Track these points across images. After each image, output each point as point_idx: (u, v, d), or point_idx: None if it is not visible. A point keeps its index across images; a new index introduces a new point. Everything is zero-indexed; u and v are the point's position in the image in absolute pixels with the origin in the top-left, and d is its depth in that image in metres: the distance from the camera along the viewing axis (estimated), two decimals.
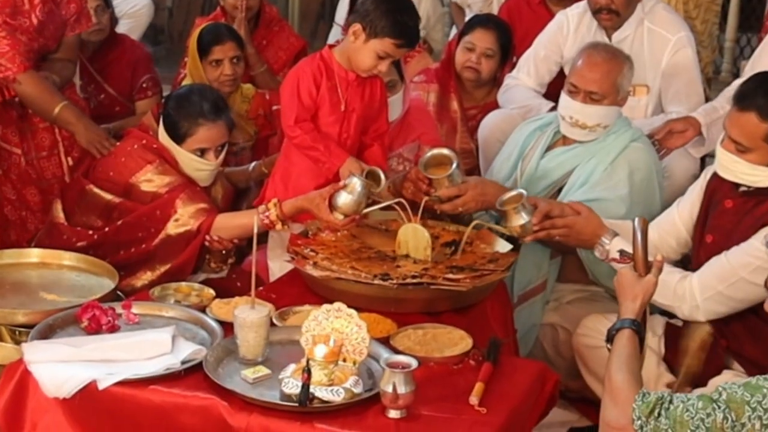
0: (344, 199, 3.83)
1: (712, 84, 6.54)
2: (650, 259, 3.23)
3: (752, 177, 3.66)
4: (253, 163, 4.81)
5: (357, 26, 4.00)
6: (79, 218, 4.25)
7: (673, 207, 4.06)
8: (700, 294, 3.66)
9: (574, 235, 3.89)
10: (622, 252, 3.62)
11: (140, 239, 4.12)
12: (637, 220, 3.27)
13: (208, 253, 4.17)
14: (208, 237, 4.07)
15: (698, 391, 3.62)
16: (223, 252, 4.17)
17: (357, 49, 4.03)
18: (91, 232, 4.19)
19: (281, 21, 6.50)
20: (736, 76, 5.73)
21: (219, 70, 5.09)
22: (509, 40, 5.61)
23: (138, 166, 4.20)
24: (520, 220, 3.82)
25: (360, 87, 4.13)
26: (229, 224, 4.08)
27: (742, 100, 3.63)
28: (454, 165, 4.00)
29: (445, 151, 4.09)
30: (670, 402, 2.64)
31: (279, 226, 3.97)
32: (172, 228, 4.09)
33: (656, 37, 5.20)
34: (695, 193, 3.96)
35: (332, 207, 3.85)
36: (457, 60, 5.57)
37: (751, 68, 4.99)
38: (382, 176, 3.96)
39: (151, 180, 4.18)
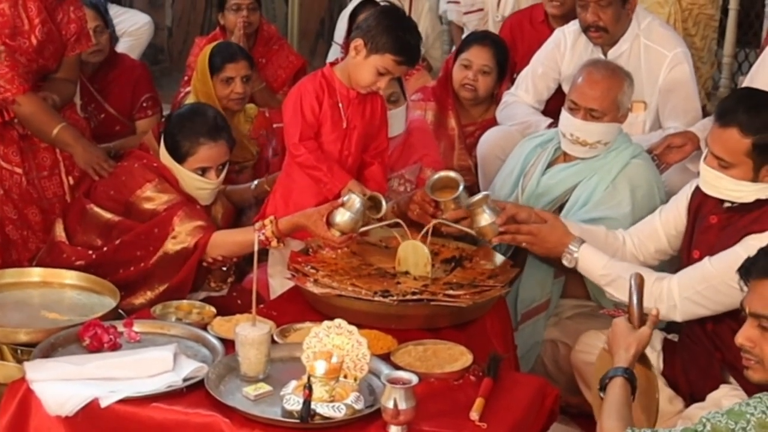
0: (342, 216, 3.84)
1: (711, 99, 6.56)
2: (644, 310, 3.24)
3: (736, 192, 3.66)
4: (256, 181, 4.82)
5: (359, 41, 4.03)
6: (80, 237, 4.27)
7: (655, 214, 4.07)
8: (679, 294, 3.67)
9: (538, 242, 3.89)
10: (617, 305, 3.61)
11: (139, 258, 4.13)
12: (634, 275, 3.29)
13: (208, 273, 4.18)
14: (208, 258, 4.07)
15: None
16: (224, 269, 4.18)
17: (357, 64, 4.05)
18: (90, 251, 4.20)
19: (280, 39, 6.54)
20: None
21: (230, 88, 5.12)
22: (506, 57, 5.63)
23: (138, 184, 4.22)
24: (484, 220, 3.85)
25: (361, 105, 4.15)
26: (226, 241, 4.08)
27: (723, 116, 3.64)
28: (461, 188, 4.01)
29: (451, 174, 4.11)
30: None
31: (275, 243, 3.96)
32: (170, 245, 4.09)
33: (653, 53, 5.22)
34: (680, 206, 3.96)
35: (330, 224, 3.85)
36: (454, 77, 5.59)
37: (749, 83, 5.01)
38: (383, 202, 3.96)
39: (150, 198, 4.20)
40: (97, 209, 4.26)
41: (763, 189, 3.65)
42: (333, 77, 4.14)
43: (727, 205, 3.72)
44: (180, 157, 4.25)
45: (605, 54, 5.24)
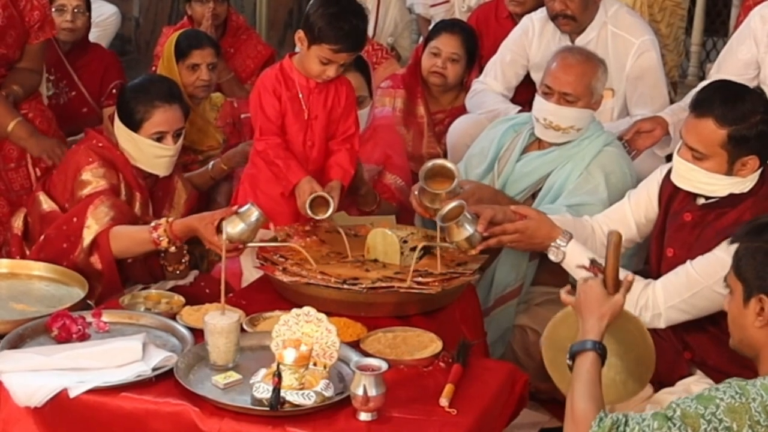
0: (233, 226, 3.74)
1: (678, 87, 6.58)
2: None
3: (709, 186, 3.63)
4: (212, 162, 4.84)
5: (300, 33, 4.04)
6: (37, 229, 4.22)
7: (624, 201, 4.06)
8: (663, 302, 3.65)
9: (525, 239, 3.84)
10: (593, 261, 3.53)
11: (66, 251, 4.02)
12: (610, 233, 3.23)
13: (163, 259, 4.15)
14: (155, 235, 3.93)
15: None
16: (172, 251, 4.06)
17: (304, 55, 4.07)
18: (32, 247, 4.15)
19: (249, 29, 6.53)
20: (702, 79, 5.77)
21: (196, 74, 5.10)
22: (475, 45, 5.65)
23: (79, 166, 4.15)
24: (465, 233, 3.75)
25: (322, 93, 4.15)
26: (123, 235, 3.98)
27: (699, 107, 3.61)
28: (456, 180, 4.00)
29: (447, 164, 4.09)
30: (626, 424, 2.61)
31: (165, 243, 3.90)
32: (85, 235, 3.99)
33: (620, 40, 5.24)
34: (650, 193, 3.94)
35: (220, 229, 3.77)
36: (423, 65, 5.60)
37: (716, 70, 5.04)
38: (331, 203, 3.95)
39: (85, 183, 4.12)
40: (41, 198, 4.23)
41: (736, 183, 3.61)
42: (292, 68, 4.14)
43: (701, 201, 3.69)
44: (135, 125, 4.18)
45: (573, 42, 5.26)
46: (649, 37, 5.29)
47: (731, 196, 3.63)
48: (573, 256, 3.79)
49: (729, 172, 3.59)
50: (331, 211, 3.96)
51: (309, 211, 3.95)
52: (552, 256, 3.84)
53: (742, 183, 3.61)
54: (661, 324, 3.70)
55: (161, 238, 3.90)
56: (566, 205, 4.22)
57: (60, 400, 3.04)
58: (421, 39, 6.73)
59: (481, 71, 5.66)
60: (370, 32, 6.71)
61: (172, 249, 3.96)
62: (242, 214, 3.75)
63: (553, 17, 5.27)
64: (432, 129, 5.58)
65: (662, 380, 3.73)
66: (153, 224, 3.94)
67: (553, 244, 3.82)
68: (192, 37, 5.24)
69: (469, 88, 5.57)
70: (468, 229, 3.75)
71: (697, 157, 3.61)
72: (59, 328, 3.34)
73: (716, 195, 3.64)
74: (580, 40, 5.24)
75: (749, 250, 2.71)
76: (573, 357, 2.99)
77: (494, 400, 3.17)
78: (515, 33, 5.54)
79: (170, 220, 3.93)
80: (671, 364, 3.74)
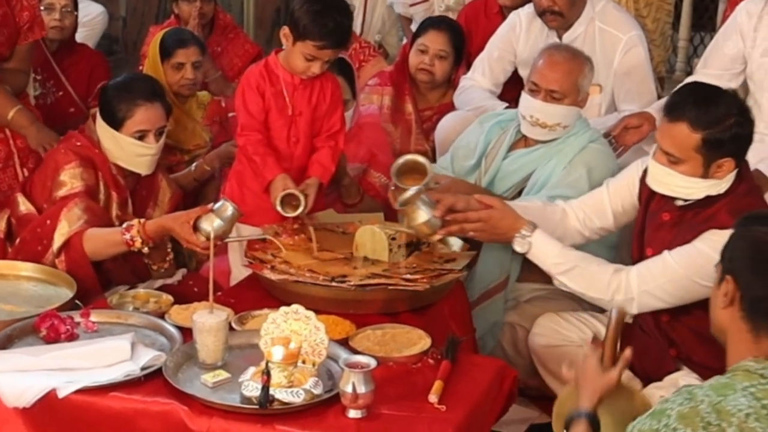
0: (209, 222, 3.77)
1: (665, 83, 6.59)
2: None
3: (686, 189, 3.62)
4: (195, 163, 4.85)
5: (286, 29, 4.03)
6: (19, 230, 4.20)
7: (603, 188, 4.05)
8: (637, 287, 3.65)
9: (489, 229, 3.80)
10: (595, 337, 3.41)
11: (39, 253, 4.01)
12: (615, 309, 3.24)
13: (147, 258, 4.14)
14: (128, 236, 3.92)
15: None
16: (145, 251, 4.05)
17: (289, 51, 4.06)
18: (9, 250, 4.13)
19: (236, 28, 6.53)
20: (690, 74, 5.78)
21: (181, 73, 5.09)
22: (462, 41, 5.65)
23: (58, 166, 4.13)
24: (421, 217, 3.74)
25: (307, 90, 4.14)
26: (95, 237, 3.96)
27: (672, 111, 3.59)
28: (429, 175, 3.99)
29: (419, 158, 4.09)
30: None
31: (139, 244, 3.90)
32: (56, 237, 3.98)
33: (607, 36, 5.25)
34: (630, 184, 3.94)
35: (196, 228, 3.78)
36: (411, 62, 5.60)
37: (703, 65, 5.06)
38: (302, 201, 3.94)
39: (62, 184, 4.10)
40: (19, 199, 4.21)
41: (713, 185, 3.60)
42: (277, 64, 4.13)
43: (680, 203, 3.68)
44: (117, 123, 4.18)
45: (560, 38, 5.26)
46: (637, 33, 5.30)
47: (708, 197, 3.62)
48: (539, 248, 3.77)
49: (705, 175, 3.58)
50: (301, 209, 3.95)
51: (280, 208, 3.94)
52: (518, 247, 3.81)
53: (719, 185, 3.60)
54: (634, 309, 3.70)
55: (135, 239, 3.89)
56: (546, 197, 4.21)
57: (49, 400, 3.03)
58: (406, 37, 6.76)
59: (469, 68, 5.67)
60: (357, 30, 6.74)
61: (145, 249, 3.94)
62: (218, 210, 3.78)
63: (541, 13, 5.28)
64: (420, 126, 5.58)
65: (650, 375, 3.74)
66: (125, 225, 3.93)
67: (518, 234, 3.78)
68: (176, 36, 5.24)
69: (457, 85, 5.57)
70: (425, 214, 3.74)
71: (672, 161, 3.60)
72: (48, 329, 3.34)
73: (693, 198, 3.64)
74: (568, 36, 5.25)
75: (733, 237, 2.72)
76: (568, 424, 3.04)
77: (483, 396, 3.17)
78: (502, 29, 5.55)
79: (142, 221, 3.92)
80: (658, 360, 3.74)
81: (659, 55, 6.29)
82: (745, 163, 3.68)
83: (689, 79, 5.15)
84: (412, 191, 3.77)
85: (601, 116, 5.22)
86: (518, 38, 5.43)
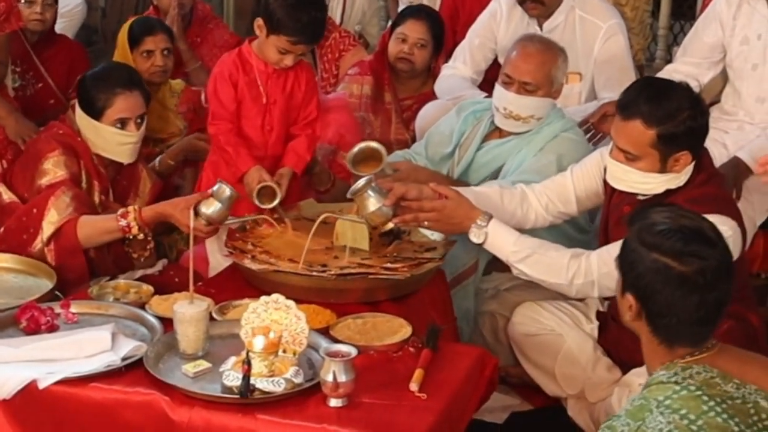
0: (209, 207, 3.80)
1: (645, 71, 6.58)
2: None
3: (645, 185, 3.63)
4: (158, 158, 4.84)
5: (260, 20, 4.03)
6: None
7: (567, 173, 4.06)
8: (597, 269, 3.64)
9: (444, 219, 3.76)
10: None
11: (25, 242, 4.00)
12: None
13: (127, 246, 4.13)
14: (124, 223, 3.93)
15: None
16: (138, 238, 4.05)
17: (262, 43, 4.07)
18: None
19: (215, 18, 6.51)
20: (670, 62, 5.78)
21: (150, 61, 5.10)
22: (441, 30, 5.65)
23: (41, 155, 4.13)
24: (371, 206, 3.72)
25: (280, 79, 4.15)
26: (89, 225, 3.96)
27: (625, 109, 3.59)
28: (384, 161, 3.99)
29: (373, 144, 4.10)
30: None
31: (135, 230, 3.92)
32: (45, 226, 3.97)
33: (588, 24, 5.25)
34: (595, 171, 3.95)
35: (197, 213, 3.80)
36: (390, 51, 5.59)
37: (682, 53, 5.07)
38: (278, 193, 3.95)
39: (45, 172, 4.10)
40: (0, 189, 4.20)
41: (672, 179, 3.61)
42: (251, 53, 4.14)
43: (640, 196, 3.69)
44: (97, 113, 4.17)
45: (541, 26, 5.26)
46: (617, 21, 5.30)
47: (668, 190, 3.63)
48: (495, 237, 3.75)
49: (663, 169, 3.60)
50: (277, 200, 3.95)
51: (256, 200, 3.95)
52: (473, 238, 3.77)
53: (677, 178, 3.62)
54: (594, 293, 3.71)
55: (131, 226, 3.90)
56: (511, 182, 4.21)
57: (29, 391, 3.03)
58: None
59: (450, 56, 5.67)
60: (337, 20, 6.72)
61: (141, 236, 3.96)
62: (216, 193, 3.80)
63: (521, 1, 5.27)
64: (400, 115, 5.58)
65: (628, 363, 3.76)
66: (120, 212, 3.94)
67: (473, 225, 3.75)
68: (144, 24, 5.26)
69: (437, 74, 5.58)
70: (374, 203, 3.72)
71: (629, 158, 3.61)
72: (27, 320, 3.34)
73: (653, 192, 3.64)
74: (548, 24, 5.25)
75: (626, 240, 2.70)
76: None
77: (464, 383, 3.17)
78: (483, 17, 5.54)
79: (137, 207, 3.94)
80: (632, 352, 3.75)
81: (638, 44, 6.30)
82: (705, 152, 3.69)
83: (668, 67, 5.18)
84: (362, 181, 3.74)
85: (581, 104, 5.23)
86: (499, 26, 5.43)
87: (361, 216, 3.76)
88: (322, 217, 3.82)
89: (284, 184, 4.03)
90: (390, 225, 3.79)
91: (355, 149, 4.09)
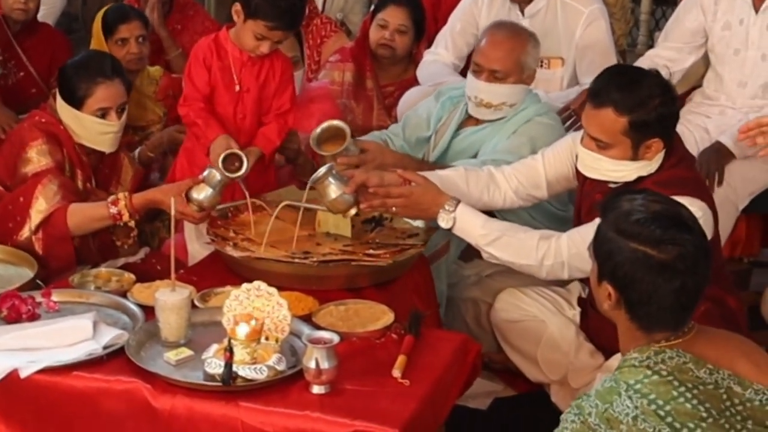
0: (200, 192, 3.81)
1: (627, 56, 6.60)
2: None
3: (617, 173, 3.63)
4: (138, 150, 4.81)
5: (237, 5, 4.02)
6: None
7: (538, 156, 4.04)
8: (567, 250, 3.63)
9: (411, 204, 3.73)
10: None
11: (11, 230, 3.98)
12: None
13: (112, 234, 4.12)
14: (115, 210, 3.93)
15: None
16: (121, 225, 4.04)
17: (239, 28, 4.06)
18: None
19: (196, 5, 6.49)
20: (652, 47, 5.79)
21: (125, 48, 5.09)
22: (422, 16, 5.64)
23: (24, 143, 4.11)
24: (333, 193, 3.70)
25: (255, 66, 4.14)
26: (79, 212, 3.95)
27: (596, 97, 3.59)
28: (348, 139, 3.98)
29: (336, 122, 4.08)
30: None
31: (126, 217, 3.92)
32: (33, 215, 3.96)
33: (569, 9, 5.24)
34: (568, 158, 3.94)
35: (189, 199, 3.81)
36: (371, 37, 5.58)
37: (663, 39, 5.08)
38: (245, 162, 3.90)
39: (29, 161, 4.08)
40: None
41: (644, 166, 3.61)
42: (227, 39, 4.14)
43: (611, 184, 3.69)
44: (78, 102, 4.15)
45: (522, 11, 5.25)
46: (598, 6, 5.30)
47: (639, 177, 3.63)
48: (463, 222, 3.73)
49: (634, 157, 3.60)
50: (244, 169, 3.89)
51: (221, 167, 3.86)
52: (442, 223, 3.75)
53: (649, 165, 3.62)
54: (564, 274, 3.71)
55: (122, 213, 3.90)
56: (482, 162, 4.19)
57: (11, 380, 3.02)
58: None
59: (432, 43, 5.66)
60: (319, 7, 6.70)
61: (131, 223, 3.96)
62: (206, 178, 3.80)
63: None
64: (382, 102, 5.57)
65: (609, 349, 3.75)
66: (111, 199, 3.93)
67: (441, 210, 3.72)
68: (118, 12, 5.25)
69: (418, 61, 5.57)
70: (335, 190, 3.69)
71: (601, 146, 3.61)
72: (8, 309, 3.32)
73: (625, 180, 3.64)
74: (530, 9, 5.24)
75: (599, 228, 2.68)
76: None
77: (447, 370, 3.17)
78: (465, 2, 5.53)
79: (127, 194, 3.93)
80: (614, 338, 3.74)
81: (620, 29, 6.31)
82: (676, 136, 3.69)
83: (650, 53, 5.18)
84: (322, 170, 3.71)
85: (563, 89, 5.23)
86: (480, 11, 5.41)
87: (323, 204, 3.74)
88: (281, 206, 3.79)
89: (252, 159, 4.00)
90: (354, 210, 3.74)
91: (318, 129, 4.08)
